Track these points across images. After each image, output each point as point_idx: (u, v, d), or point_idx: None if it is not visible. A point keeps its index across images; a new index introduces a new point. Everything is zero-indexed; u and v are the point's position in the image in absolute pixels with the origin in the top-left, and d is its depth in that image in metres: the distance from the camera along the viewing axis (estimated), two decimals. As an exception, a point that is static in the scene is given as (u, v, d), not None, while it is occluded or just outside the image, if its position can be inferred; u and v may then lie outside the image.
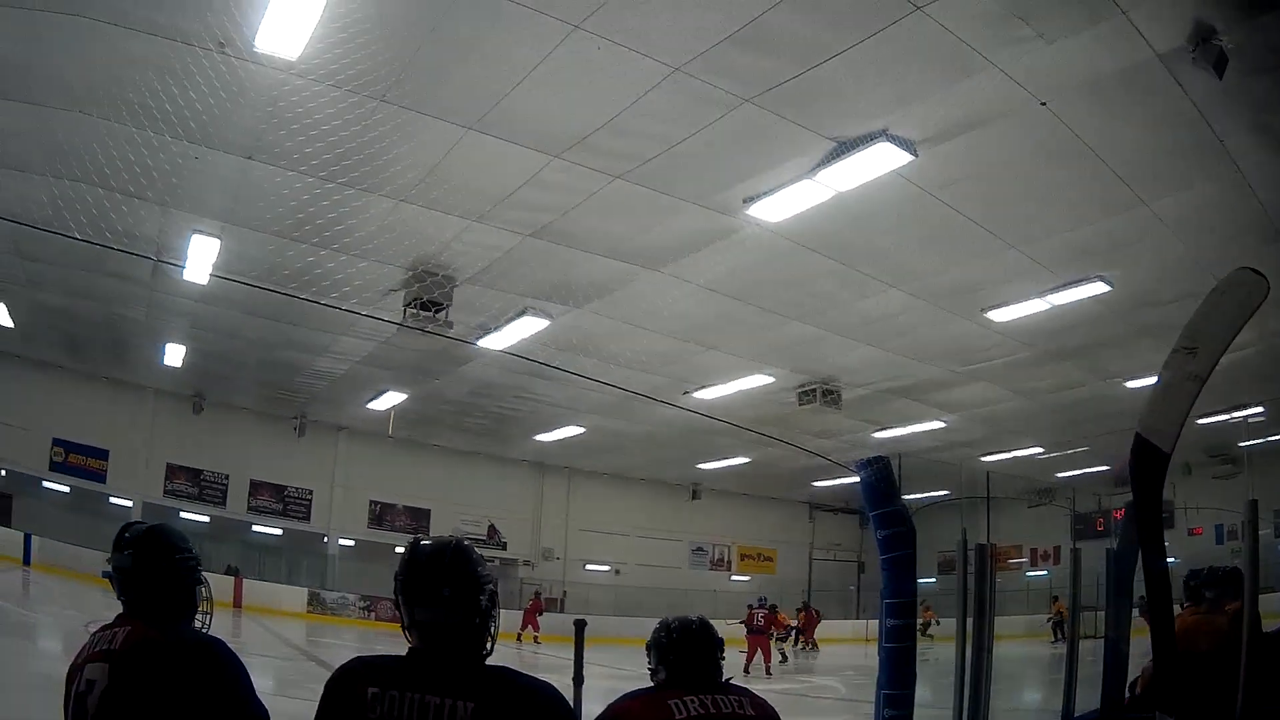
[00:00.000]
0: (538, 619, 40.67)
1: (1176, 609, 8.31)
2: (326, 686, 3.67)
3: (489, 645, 3.85)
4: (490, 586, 3.89)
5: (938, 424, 34.63)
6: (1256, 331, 22.50)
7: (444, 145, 15.70)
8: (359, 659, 3.75)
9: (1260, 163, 15.32)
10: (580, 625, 6.42)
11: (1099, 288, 20.67)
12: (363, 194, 16.98)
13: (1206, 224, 17.51)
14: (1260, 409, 30.27)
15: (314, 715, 3.64)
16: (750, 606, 32.65)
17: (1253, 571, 8.27)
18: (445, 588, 3.74)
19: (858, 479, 10.85)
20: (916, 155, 14.99)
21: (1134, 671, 11.00)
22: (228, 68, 12.88)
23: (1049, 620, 39.77)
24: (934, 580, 37.48)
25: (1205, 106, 13.65)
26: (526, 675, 3.76)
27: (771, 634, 32.96)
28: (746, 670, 30.00)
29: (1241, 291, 6.71)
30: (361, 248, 18.87)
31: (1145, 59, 12.53)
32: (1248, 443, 34.57)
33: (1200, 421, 30.76)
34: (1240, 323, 6.71)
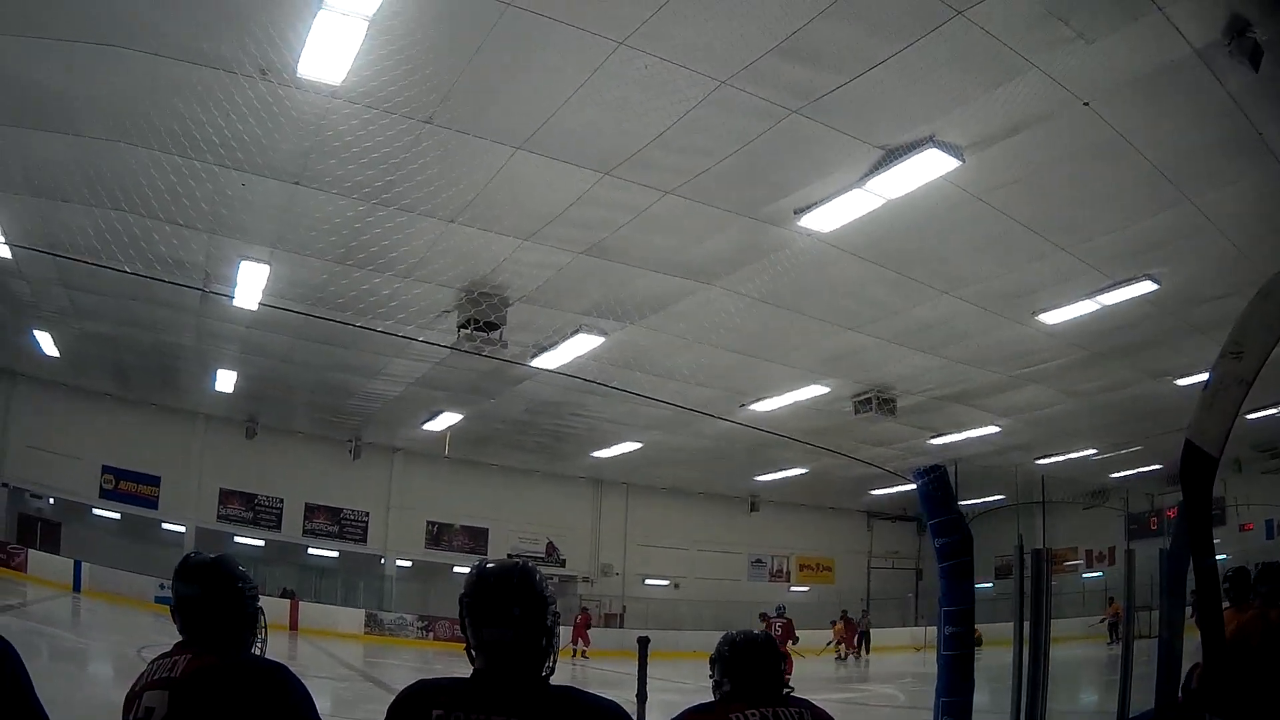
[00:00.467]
0: (587, 633, 40.88)
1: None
2: (390, 709, 3.67)
3: (551, 664, 3.89)
4: (553, 606, 3.92)
5: (992, 429, 34.46)
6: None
7: (493, 166, 15.78)
8: (423, 681, 3.75)
9: (1299, 153, 15.38)
10: (644, 642, 6.43)
11: (1147, 286, 20.61)
12: (413, 217, 17.08)
13: (1251, 217, 17.42)
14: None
15: None
16: (765, 616, 31.33)
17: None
18: (516, 607, 3.76)
19: (915, 486, 10.86)
20: (964, 160, 15.01)
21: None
22: (272, 95, 12.99)
23: (1103, 620, 39.63)
24: (990, 585, 37.36)
25: (1242, 100, 13.65)
26: (591, 694, 3.78)
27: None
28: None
29: None
30: (413, 271, 19.05)
31: (1183, 55, 12.54)
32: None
33: (1249, 417, 30.67)
34: None
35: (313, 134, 14.47)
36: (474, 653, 3.79)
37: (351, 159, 14.69)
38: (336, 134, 14.18)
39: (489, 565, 3.93)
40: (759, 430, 29.11)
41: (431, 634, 41.22)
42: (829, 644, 42.79)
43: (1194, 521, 6.58)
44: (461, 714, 3.55)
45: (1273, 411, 29.32)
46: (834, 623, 44.43)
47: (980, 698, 15.95)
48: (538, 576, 3.90)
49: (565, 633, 38.39)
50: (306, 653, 30.48)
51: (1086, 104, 13.80)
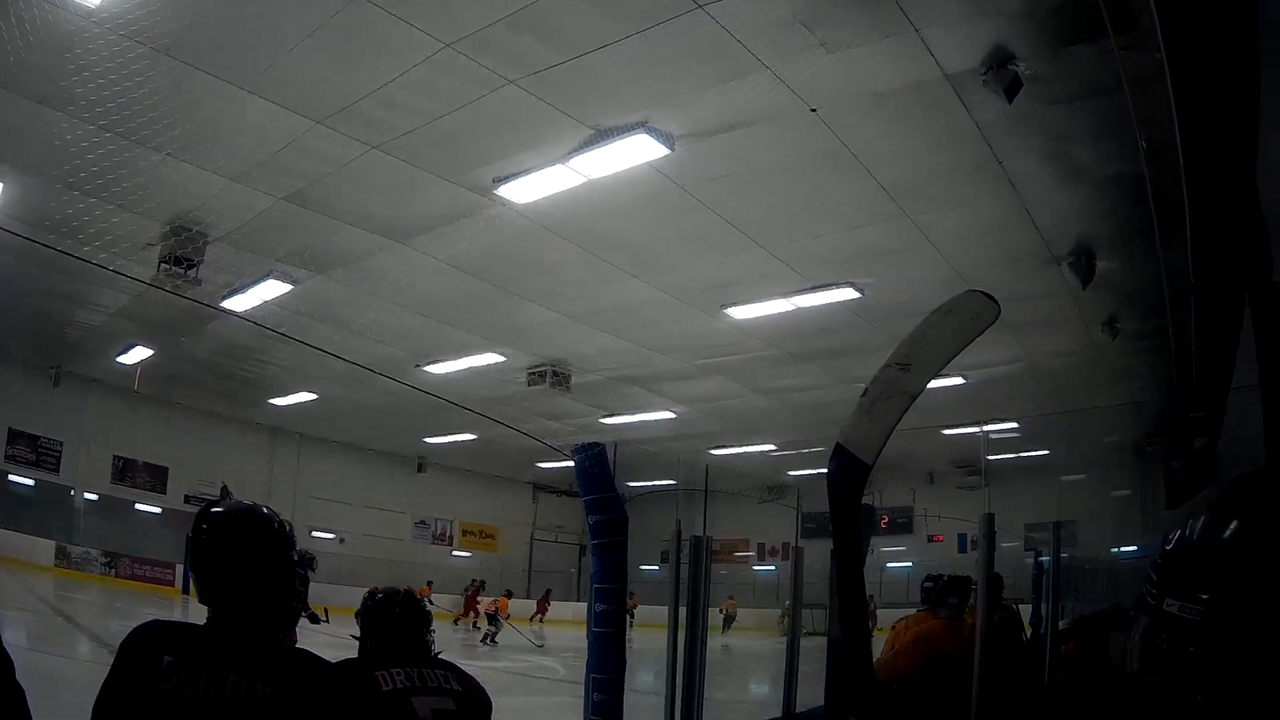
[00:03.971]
0: None
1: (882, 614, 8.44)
2: (123, 647, 3.53)
3: (295, 624, 3.77)
4: (300, 570, 3.87)
5: (669, 414, 35.02)
6: (1019, 349, 23.24)
7: (216, 104, 15.31)
8: (157, 622, 3.64)
9: (1042, 190, 15.84)
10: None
11: (849, 294, 21.06)
12: (136, 146, 16.38)
13: (975, 242, 18.00)
14: (1014, 425, 31.12)
15: (106, 676, 3.50)
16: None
17: (987, 586, 8.51)
18: (262, 558, 3.69)
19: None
20: (674, 149, 15.07)
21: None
22: (37, 8, 12.50)
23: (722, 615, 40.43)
24: (658, 568, 38.00)
25: (988, 128, 14.02)
26: (325, 661, 3.78)
27: None
28: None
29: (968, 314, 6.65)
30: (127, 198, 18.19)
31: (932, 77, 12.80)
32: (994, 457, 35.52)
33: (946, 433, 31.76)
34: (962, 344, 6.66)
35: (63, 53, 13.74)
36: (209, 600, 3.68)
37: (92, 80, 14.10)
38: (84, 54, 13.54)
39: (222, 507, 3.85)
40: (423, 393, 29.40)
41: (114, 571, 40.18)
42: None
43: (839, 527, 6.47)
44: (194, 664, 3.44)
45: (973, 430, 30.22)
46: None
47: (645, 678, 16.02)
48: (283, 523, 3.84)
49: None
50: (2, 582, 29.61)
51: (814, 110, 13.97)
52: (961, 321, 6.64)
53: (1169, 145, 11.82)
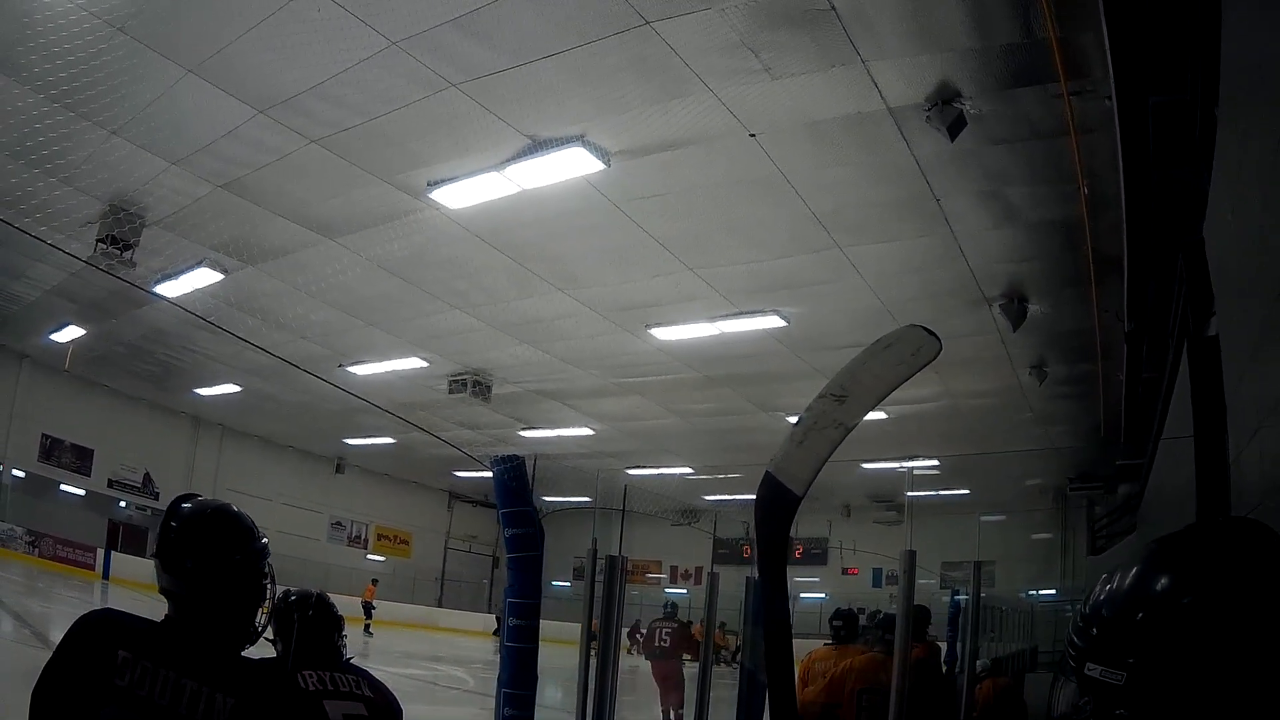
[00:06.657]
0: None
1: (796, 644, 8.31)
2: (71, 636, 3.17)
3: (258, 629, 3.50)
4: (269, 563, 3.64)
5: (586, 430, 34.68)
6: (943, 387, 23.09)
7: (163, 84, 14.96)
8: (110, 612, 3.30)
9: (977, 229, 15.72)
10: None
11: (775, 321, 20.88)
12: (82, 120, 16.09)
13: (906, 277, 17.83)
14: (934, 463, 31.06)
15: (50, 663, 3.15)
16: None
17: (906, 621, 8.39)
18: (236, 553, 3.46)
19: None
20: (609, 165, 14.89)
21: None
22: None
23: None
24: (568, 585, 38.38)
25: (928, 165, 13.83)
26: (284, 676, 3.57)
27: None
28: None
29: (908, 348, 6.33)
30: (69, 173, 17.89)
31: (875, 110, 12.60)
32: (914, 494, 35.49)
33: (866, 466, 31.57)
34: (900, 379, 6.34)
35: (21, 21, 13.46)
36: (171, 594, 3.37)
37: (49, 51, 13.78)
38: (42, 23, 13.24)
39: (195, 502, 3.62)
40: (349, 394, 28.94)
41: (37, 550, 39.33)
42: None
43: (766, 558, 6.11)
44: (149, 663, 3.13)
45: (892, 465, 30.12)
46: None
47: (555, 693, 15.73)
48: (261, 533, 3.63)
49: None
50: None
51: (753, 135, 13.76)
52: (900, 356, 6.26)
53: (1110, 194, 11.70)
